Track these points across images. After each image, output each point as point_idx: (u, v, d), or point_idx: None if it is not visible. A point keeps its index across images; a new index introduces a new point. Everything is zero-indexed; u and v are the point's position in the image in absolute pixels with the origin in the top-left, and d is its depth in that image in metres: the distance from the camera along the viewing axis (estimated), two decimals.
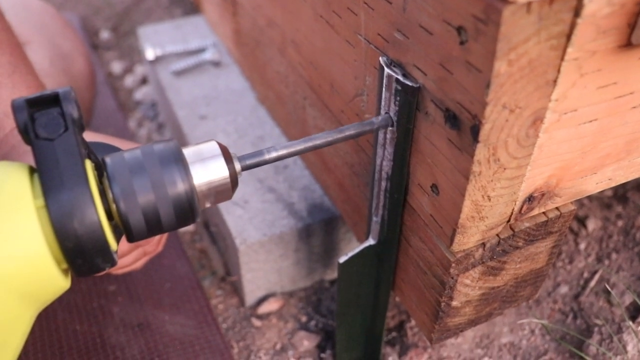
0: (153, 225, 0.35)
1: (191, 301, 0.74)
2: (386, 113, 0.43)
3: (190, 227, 0.86)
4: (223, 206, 0.71)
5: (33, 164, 0.46)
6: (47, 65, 0.77)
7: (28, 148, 0.34)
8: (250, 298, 0.74)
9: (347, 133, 0.41)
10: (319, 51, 0.55)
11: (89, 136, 0.54)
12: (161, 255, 0.79)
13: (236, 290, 0.77)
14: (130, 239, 0.36)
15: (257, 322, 0.73)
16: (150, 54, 0.98)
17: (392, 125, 0.42)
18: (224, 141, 0.81)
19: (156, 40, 1.03)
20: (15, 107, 0.33)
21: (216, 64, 0.97)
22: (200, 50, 1.00)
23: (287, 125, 0.76)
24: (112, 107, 1.12)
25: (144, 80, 1.21)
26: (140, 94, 1.17)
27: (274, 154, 0.40)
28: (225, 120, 0.85)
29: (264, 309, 0.74)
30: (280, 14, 0.63)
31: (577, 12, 0.31)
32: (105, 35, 1.37)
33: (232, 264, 0.74)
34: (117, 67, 1.26)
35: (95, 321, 0.71)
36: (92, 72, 0.87)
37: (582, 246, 0.77)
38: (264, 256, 0.70)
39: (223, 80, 0.94)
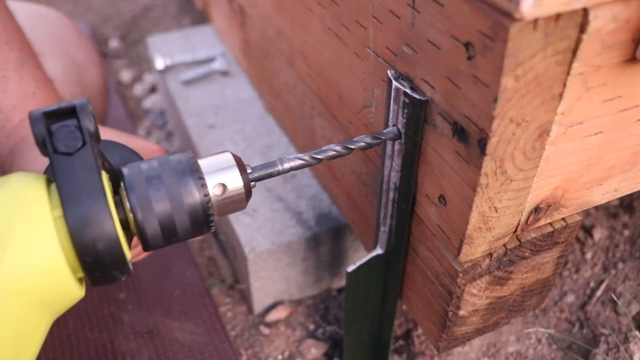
0: (169, 235, 0.36)
1: (200, 309, 0.74)
2: (394, 125, 0.43)
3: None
4: (232, 215, 0.72)
5: (41, 156, 0.47)
6: (61, 74, 0.78)
7: None
8: (258, 306, 0.75)
9: (358, 145, 0.42)
10: (327, 63, 0.56)
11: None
12: (170, 263, 0.80)
13: (244, 298, 0.78)
14: (146, 248, 0.36)
15: (265, 330, 0.74)
16: (159, 63, 0.99)
17: (400, 138, 0.43)
18: (232, 150, 0.82)
19: (165, 50, 1.04)
20: (33, 119, 0.33)
21: (224, 73, 0.98)
22: (209, 60, 1.01)
23: (295, 135, 0.77)
24: (121, 115, 1.13)
25: (153, 89, 1.23)
26: (149, 102, 1.18)
27: (286, 165, 0.41)
28: (234, 129, 0.86)
29: (272, 316, 0.75)
30: (289, 26, 0.64)
31: (582, 28, 0.32)
32: (114, 44, 1.39)
33: (241, 272, 0.75)
34: (126, 75, 1.27)
35: (106, 328, 0.71)
36: (105, 82, 0.88)
37: (589, 255, 0.77)
38: (273, 264, 0.70)
39: (231, 89, 0.95)
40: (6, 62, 0.53)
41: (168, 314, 0.73)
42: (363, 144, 0.42)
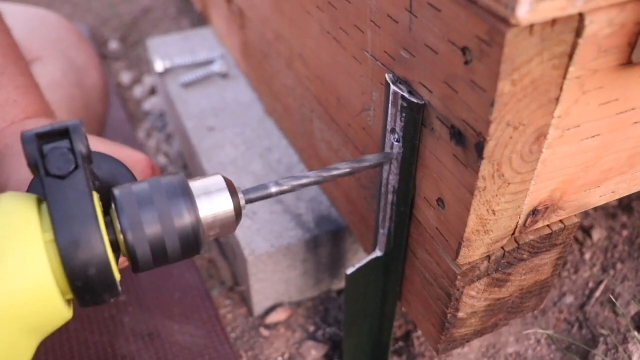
0: (159, 257, 0.36)
1: (200, 311, 0.75)
2: (392, 130, 0.43)
3: None
4: None
5: (26, 165, 0.46)
6: (60, 77, 0.78)
7: (22, 148, 0.34)
8: (258, 308, 0.75)
9: (344, 171, 0.43)
10: (326, 66, 0.56)
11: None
12: (171, 266, 0.81)
13: (244, 300, 0.78)
14: (136, 270, 0.36)
15: (265, 332, 0.74)
16: (159, 66, 1.00)
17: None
18: (232, 152, 0.83)
19: (165, 52, 1.04)
20: (25, 140, 0.33)
21: (224, 76, 0.98)
22: (209, 63, 1.01)
23: (295, 137, 0.77)
24: (121, 117, 1.13)
25: (152, 91, 1.23)
26: (149, 104, 1.18)
27: (277, 189, 0.41)
28: (234, 131, 0.86)
29: (272, 319, 0.75)
30: (288, 29, 0.64)
31: (578, 33, 0.32)
32: (113, 45, 1.39)
33: (241, 274, 0.75)
34: (126, 77, 1.27)
35: (107, 331, 0.72)
36: (105, 85, 0.88)
37: (588, 256, 0.77)
38: (272, 267, 0.71)
39: (231, 92, 0.95)
40: None
41: (168, 316, 0.74)
42: (349, 169, 0.43)
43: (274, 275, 0.72)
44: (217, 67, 0.98)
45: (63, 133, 0.33)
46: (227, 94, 0.95)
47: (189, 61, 1.01)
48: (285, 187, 0.41)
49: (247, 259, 0.68)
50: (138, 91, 1.23)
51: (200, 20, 1.41)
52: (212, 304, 0.76)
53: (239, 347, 0.72)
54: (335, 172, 0.43)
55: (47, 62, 0.80)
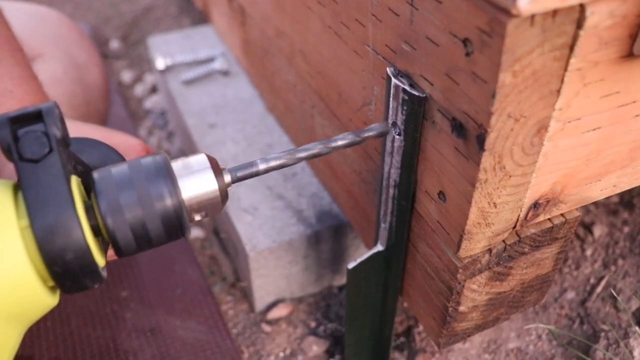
0: (142, 241, 0.35)
1: (202, 307, 0.75)
2: (393, 123, 0.44)
3: (200, 234, 0.88)
4: (233, 213, 0.73)
5: None
6: (62, 74, 0.79)
7: None
8: (260, 304, 0.75)
9: (338, 143, 0.42)
10: (327, 61, 0.56)
11: (75, 128, 0.53)
12: (172, 262, 0.81)
13: (246, 296, 0.78)
14: (119, 254, 0.35)
15: (266, 328, 0.74)
16: (160, 63, 1.00)
17: (391, 133, 0.43)
18: (233, 149, 0.83)
19: (166, 50, 1.05)
20: None
21: (225, 73, 0.99)
22: (209, 60, 1.01)
23: (296, 134, 0.77)
24: (122, 115, 1.13)
25: (153, 89, 1.23)
26: (150, 102, 1.18)
27: (264, 165, 0.40)
28: (234, 128, 0.87)
29: (274, 314, 0.75)
30: (289, 25, 0.64)
31: (579, 24, 0.32)
32: (115, 44, 1.39)
33: (242, 270, 0.76)
34: (127, 76, 1.28)
35: (109, 326, 0.72)
36: (106, 82, 0.89)
37: (589, 252, 0.77)
38: (274, 262, 0.71)
39: (232, 89, 0.95)
40: None
41: (170, 312, 0.74)
42: (344, 142, 0.42)
43: (275, 271, 0.72)
44: (217, 65, 0.98)
45: (37, 116, 0.32)
46: (228, 91, 0.95)
47: (189, 59, 1.01)
48: (272, 164, 0.40)
49: (248, 254, 0.68)
50: (139, 89, 1.23)
51: (201, 18, 1.41)
52: (213, 299, 0.76)
53: (241, 342, 0.73)
54: (334, 144, 0.42)
55: (48, 59, 0.80)
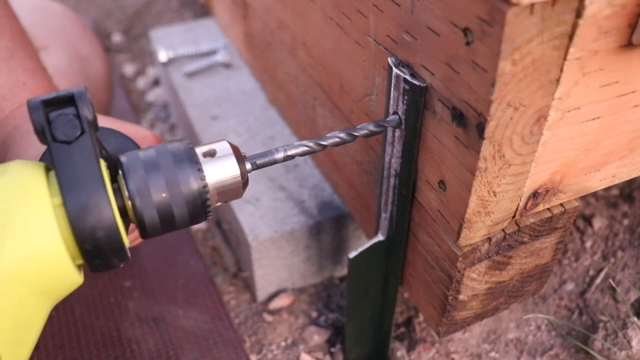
0: (166, 222, 0.36)
1: (204, 297, 0.75)
2: (394, 113, 0.44)
3: (202, 225, 0.88)
4: (235, 204, 0.73)
5: (35, 145, 0.47)
6: (65, 67, 0.79)
7: (31, 128, 0.34)
8: (261, 294, 0.76)
9: (359, 133, 0.43)
10: (328, 52, 0.57)
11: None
12: (175, 253, 0.81)
13: (248, 286, 0.79)
14: (144, 235, 0.37)
15: (268, 317, 0.75)
16: (162, 56, 1.00)
17: (401, 126, 0.44)
18: (235, 141, 0.83)
19: (168, 43, 1.05)
20: (31, 107, 0.33)
21: (227, 65, 0.99)
22: (212, 53, 1.02)
23: (298, 125, 0.78)
24: (125, 108, 1.14)
25: (156, 82, 1.23)
26: (152, 95, 1.19)
27: (282, 154, 0.41)
28: (237, 120, 0.87)
29: (275, 304, 0.76)
30: (291, 17, 0.65)
31: (578, 13, 0.32)
32: (117, 37, 1.39)
33: (244, 260, 0.76)
34: (129, 69, 1.28)
35: (112, 316, 0.72)
36: (108, 75, 0.89)
37: (588, 244, 0.78)
38: (275, 253, 0.71)
39: (234, 81, 0.96)
40: None
41: (173, 301, 0.74)
42: (366, 131, 0.43)
43: (277, 261, 0.73)
44: (220, 57, 0.98)
45: (68, 100, 0.34)
46: (230, 83, 0.95)
47: (192, 51, 1.01)
48: (290, 152, 0.41)
49: (250, 244, 0.69)
50: (141, 82, 1.23)
51: (203, 11, 1.41)
52: (215, 289, 0.77)
53: (243, 332, 0.73)
54: (327, 142, 0.42)
55: (52, 51, 0.81)
